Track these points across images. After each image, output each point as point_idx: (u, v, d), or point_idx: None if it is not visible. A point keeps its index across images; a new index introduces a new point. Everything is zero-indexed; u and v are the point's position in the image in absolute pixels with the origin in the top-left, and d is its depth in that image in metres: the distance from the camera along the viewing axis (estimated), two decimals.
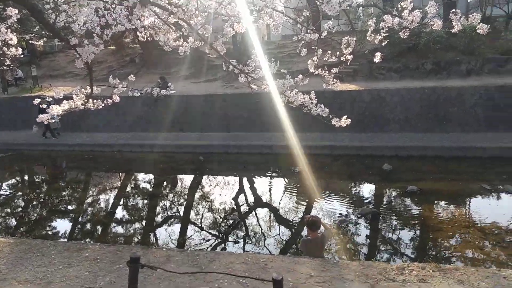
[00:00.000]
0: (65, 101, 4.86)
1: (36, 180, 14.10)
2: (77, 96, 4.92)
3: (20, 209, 10.62)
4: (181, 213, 9.83)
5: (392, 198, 9.94)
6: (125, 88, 5.18)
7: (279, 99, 4.59)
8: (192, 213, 9.66)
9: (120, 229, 9.01)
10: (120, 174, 13.70)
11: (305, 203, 9.84)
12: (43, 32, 21.58)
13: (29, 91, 20.32)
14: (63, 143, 15.93)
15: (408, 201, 9.51)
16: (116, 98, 5.27)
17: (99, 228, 9.10)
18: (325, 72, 4.48)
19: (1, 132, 17.93)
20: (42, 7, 4.56)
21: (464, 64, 15.43)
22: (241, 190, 11.08)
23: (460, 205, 9.23)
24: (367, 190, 10.68)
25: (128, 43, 24.83)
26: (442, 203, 9.36)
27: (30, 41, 16.79)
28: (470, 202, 9.47)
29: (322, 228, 4.64)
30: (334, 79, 4.51)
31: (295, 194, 10.55)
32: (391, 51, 16.33)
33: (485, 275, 3.68)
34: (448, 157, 11.81)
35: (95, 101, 5.05)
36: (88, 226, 9.28)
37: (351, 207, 9.25)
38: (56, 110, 4.79)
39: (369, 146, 12.71)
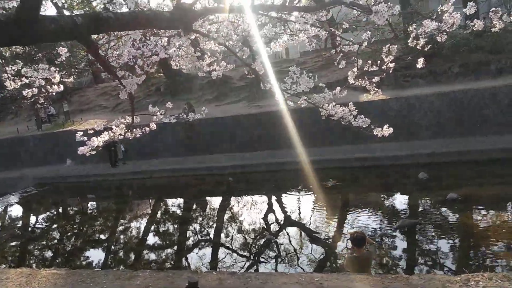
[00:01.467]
0: (105, 132, 4.99)
1: (70, 211, 14.45)
2: (117, 127, 5.04)
3: (57, 240, 10.85)
4: (215, 235, 9.77)
5: (432, 208, 9.53)
6: (162, 116, 5.27)
7: (308, 115, 4.54)
8: (225, 235, 9.56)
9: (162, 255, 9.01)
10: (150, 200, 13.88)
11: (341, 218, 9.57)
12: (87, 67, 22.60)
13: (61, 126, 21.13)
14: (98, 174, 16.35)
15: (449, 209, 9.10)
16: (153, 126, 5.37)
17: (141, 255, 9.14)
18: (365, 82, 4.41)
19: (38, 167, 18.60)
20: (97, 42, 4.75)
21: (493, 64, 14.96)
22: (273, 208, 10.92)
23: (504, 210, 8.73)
24: (404, 201, 10.30)
25: (153, 73, 25.58)
26: (485, 209, 8.89)
27: (61, 79, 17.72)
28: None
29: (367, 244, 4.47)
30: (375, 88, 4.42)
31: (329, 209, 10.29)
32: (415, 57, 16.06)
33: None
34: (486, 160, 11.29)
35: (134, 130, 5.16)
36: (129, 253, 9.34)
37: (389, 220, 8.91)
38: (97, 141, 4.91)
39: (403, 155, 12.36)
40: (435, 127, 13.27)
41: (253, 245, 8.76)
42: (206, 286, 4.02)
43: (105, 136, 4.96)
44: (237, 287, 4.07)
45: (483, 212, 8.70)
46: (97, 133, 5.07)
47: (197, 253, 8.83)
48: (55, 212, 14.28)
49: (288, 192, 12.03)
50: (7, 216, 14.05)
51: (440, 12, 3.57)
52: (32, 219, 13.61)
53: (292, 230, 9.26)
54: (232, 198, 12.58)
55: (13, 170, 18.59)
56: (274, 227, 9.61)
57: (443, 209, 9.21)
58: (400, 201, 10.26)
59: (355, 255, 4.24)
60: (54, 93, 21.80)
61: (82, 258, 9.25)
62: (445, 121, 13.21)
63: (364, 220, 9.13)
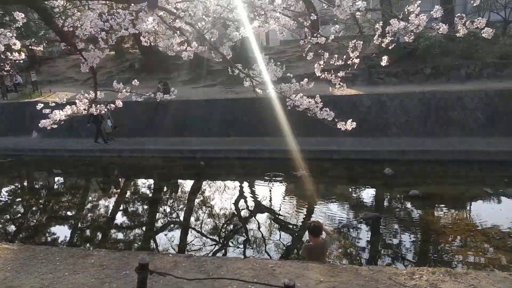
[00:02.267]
0: (68, 106, 4.85)
1: (36, 185, 14.02)
2: (81, 101, 4.91)
3: (20, 215, 10.56)
4: (182, 219, 9.79)
5: (395, 203, 9.94)
6: (128, 93, 5.17)
7: (283, 104, 4.59)
8: (193, 219, 9.62)
9: (123, 235, 8.96)
10: (120, 179, 13.67)
11: (306, 208, 9.81)
12: (46, 37, 21.60)
13: (28, 96, 20.28)
14: (62, 149, 15.86)
15: (410, 205, 9.51)
16: (119, 103, 5.27)
17: (102, 234, 9.05)
18: (331, 76, 4.48)
19: (1, 138, 17.83)
20: (51, 10, 4.54)
21: (463, 68, 15.53)
22: (241, 195, 11.03)
23: (463, 209, 9.25)
24: (368, 194, 10.67)
25: (127, 48, 24.84)
26: (445, 207, 9.36)
27: (30, 47, 16.88)
28: (472, 206, 9.48)
29: (324, 233, 4.62)
30: (341, 83, 4.51)
31: (296, 199, 10.52)
32: (390, 56, 16.40)
33: (497, 279, 3.66)
34: (449, 161, 11.83)
35: (98, 106, 5.04)
36: (90, 232, 9.22)
37: (353, 212, 9.23)
38: (59, 115, 4.77)
39: (370, 150, 12.72)
40: (403, 125, 13.70)
41: (220, 230, 8.85)
42: (160, 268, 4.05)
43: (68, 110, 4.83)
44: (192, 270, 4.12)
45: (443, 209, 9.16)
46: (60, 106, 4.92)
47: (160, 235, 8.84)
48: (17, 186, 13.81)
49: (258, 179, 12.15)
50: None
51: (407, 13, 3.66)
52: None
53: (260, 217, 9.41)
54: (203, 182, 12.60)
55: None
56: (242, 213, 9.74)
57: (405, 204, 9.62)
58: (364, 194, 10.62)
59: (311, 243, 4.37)
60: (21, 61, 20.71)
61: (40, 234, 9.05)
62: (413, 120, 13.66)
63: (329, 210, 9.41)
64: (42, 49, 23.66)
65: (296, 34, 20.73)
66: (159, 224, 9.71)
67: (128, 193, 12.16)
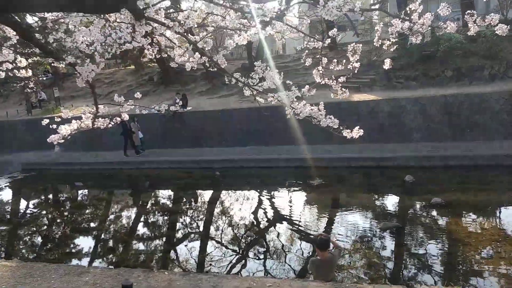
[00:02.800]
0: (73, 121, 4.86)
1: (56, 197, 14.30)
2: (85, 116, 4.90)
3: (45, 228, 10.73)
4: (192, 231, 9.68)
5: (416, 212, 9.49)
6: (133, 106, 5.13)
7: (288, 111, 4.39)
8: (203, 232, 9.44)
9: (127, 248, 8.88)
10: (135, 191, 13.76)
11: (322, 219, 9.50)
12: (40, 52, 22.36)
13: (51, 112, 20.89)
14: (81, 162, 16.17)
15: (432, 214, 9.05)
16: (125, 116, 5.23)
17: (101, 249, 9.01)
18: (332, 82, 4.27)
19: (26, 153, 18.37)
20: (29, 26, 4.56)
21: (486, 69, 14.90)
22: (255, 205, 10.82)
23: (489, 217, 8.71)
24: (388, 203, 10.25)
25: (146, 62, 25.32)
26: (469, 215, 8.87)
27: (52, 64, 17.48)
28: (499, 214, 8.93)
29: (332, 247, 4.37)
30: (343, 89, 4.28)
31: (311, 209, 10.24)
32: (409, 59, 16.01)
33: None
34: (474, 166, 11.27)
35: (103, 120, 5.02)
36: (91, 247, 9.23)
37: (371, 222, 8.86)
38: (65, 130, 4.78)
39: (390, 157, 12.29)
40: (424, 130, 13.21)
41: (231, 242, 8.66)
42: (155, 287, 3.90)
43: (74, 124, 4.83)
44: None
45: (467, 218, 8.67)
46: (66, 121, 4.94)
47: (168, 248, 8.72)
48: (40, 198, 14.13)
49: (273, 189, 11.95)
50: None
51: (409, 12, 3.44)
52: (16, 204, 13.49)
53: (274, 228, 9.18)
54: (218, 192, 12.50)
55: (0, 155, 18.37)
56: (254, 224, 9.53)
57: (427, 213, 9.17)
58: (384, 203, 10.21)
59: (318, 258, 4.14)
60: (45, 78, 21.61)
61: (60, 248, 9.15)
62: (435, 124, 13.15)
63: (346, 221, 9.07)
64: (64, 66, 24.43)
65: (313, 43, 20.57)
66: (167, 237, 9.61)
67: (140, 205, 12.18)
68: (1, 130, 19.84)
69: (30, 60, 5.56)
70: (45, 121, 5.11)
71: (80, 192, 14.42)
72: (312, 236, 7.99)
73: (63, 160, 16.79)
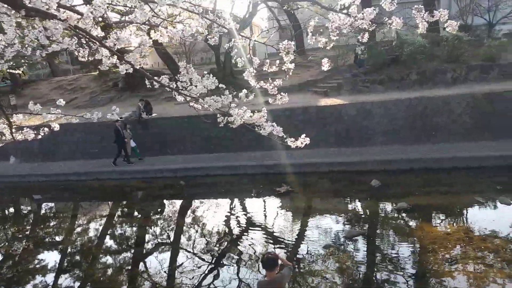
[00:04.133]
0: None
1: (14, 210, 13.33)
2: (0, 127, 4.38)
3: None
4: (148, 243, 9.16)
5: (382, 217, 9.34)
6: (59, 115, 4.62)
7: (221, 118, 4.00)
8: (157, 247, 8.99)
9: (90, 265, 8.28)
10: (91, 204, 12.99)
11: (285, 228, 9.16)
12: (27, 60, 21.04)
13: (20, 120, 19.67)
14: (39, 174, 15.23)
15: (399, 219, 8.93)
16: (56, 127, 4.72)
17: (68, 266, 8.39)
18: (268, 85, 3.94)
19: None
20: None
21: (449, 73, 15.15)
22: (221, 215, 10.38)
23: (454, 220, 8.65)
24: (354, 209, 10.06)
25: (111, 68, 24.43)
26: (434, 219, 8.80)
27: (7, 70, 16.44)
28: (463, 216, 8.90)
29: (280, 265, 4.00)
30: (282, 93, 3.94)
31: (278, 218, 9.91)
32: (374, 63, 16.10)
33: None
34: (438, 168, 11.30)
35: (24, 131, 4.50)
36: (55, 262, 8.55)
37: (337, 230, 8.61)
38: None
39: (356, 161, 12.17)
40: (389, 134, 13.20)
41: (190, 256, 8.19)
42: None
43: None
44: None
45: (432, 222, 8.58)
46: None
47: (129, 264, 8.19)
48: None
49: (238, 197, 11.57)
50: None
51: (344, 6, 3.14)
52: None
53: (236, 241, 8.77)
54: (182, 202, 12.01)
55: None
56: (218, 237, 9.09)
57: (393, 219, 9.03)
58: (350, 209, 10.01)
59: (265, 279, 3.77)
60: (4, 84, 20.29)
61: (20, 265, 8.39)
62: (399, 128, 13.17)
63: (311, 229, 8.80)
64: (21, 73, 23.24)
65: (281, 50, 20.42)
66: (129, 251, 9.05)
67: (99, 217, 11.50)
68: None
69: None
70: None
71: (39, 205, 13.53)
72: (260, 255, 7.62)
73: (19, 172, 15.75)
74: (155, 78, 3.73)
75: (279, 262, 3.84)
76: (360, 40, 3.55)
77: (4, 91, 24.93)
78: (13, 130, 4.47)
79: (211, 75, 3.91)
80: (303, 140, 3.99)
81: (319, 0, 4.08)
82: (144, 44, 4.12)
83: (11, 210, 13.65)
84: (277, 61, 3.93)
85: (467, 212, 9.07)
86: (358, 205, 10.29)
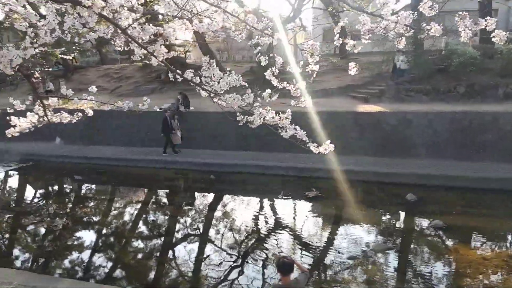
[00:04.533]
0: (29, 113, 4.56)
1: (53, 190, 14.09)
2: (36, 109, 4.59)
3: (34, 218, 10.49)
4: (168, 241, 9.33)
5: (414, 234, 8.93)
6: (93, 102, 4.76)
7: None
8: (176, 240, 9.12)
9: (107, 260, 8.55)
10: (127, 190, 13.46)
11: (310, 235, 8.99)
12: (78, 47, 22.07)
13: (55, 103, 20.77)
14: (80, 156, 15.96)
15: (432, 237, 8.50)
16: (90, 112, 4.89)
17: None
18: (289, 86, 3.83)
19: (27, 143, 18.22)
20: None
21: (501, 88, 14.20)
22: (243, 215, 10.34)
23: (493, 244, 8.11)
24: (385, 222, 9.70)
25: (148, 60, 25.14)
26: (471, 241, 8.29)
27: (61, 56, 17.36)
28: (506, 242, 8.32)
29: (296, 270, 3.90)
30: (304, 96, 3.82)
31: (304, 223, 9.75)
32: (420, 73, 15.43)
33: None
34: (481, 189, 10.63)
35: (61, 114, 4.69)
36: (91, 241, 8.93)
37: (364, 242, 8.33)
38: (21, 123, 4.46)
39: (393, 172, 11.72)
40: (430, 147, 12.60)
41: (216, 250, 8.24)
42: None
43: (30, 117, 4.51)
44: None
45: (468, 246, 8.09)
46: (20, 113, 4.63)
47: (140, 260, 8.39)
48: (38, 189, 13.94)
49: (266, 198, 11.51)
50: None
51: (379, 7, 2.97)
52: (3, 194, 13.34)
53: (262, 240, 8.73)
54: (212, 196, 12.14)
55: (0, 143, 18.25)
56: (244, 233, 9.09)
57: (425, 236, 8.62)
58: (381, 222, 9.66)
59: (280, 284, 3.69)
60: (57, 69, 21.45)
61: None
62: (442, 142, 12.54)
63: (337, 239, 8.59)
64: (72, 58, 24.43)
65: (325, 48, 20.12)
66: (158, 238, 9.27)
67: (133, 203, 11.87)
68: (3, 118, 19.75)
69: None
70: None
71: (78, 185, 14.24)
72: (275, 258, 7.51)
73: (62, 152, 16.59)
74: (178, 71, 3.75)
75: (295, 267, 3.76)
76: (397, 46, 3.37)
77: (56, 75, 26.40)
78: (51, 112, 4.66)
79: (237, 76, 3.85)
80: (327, 147, 3.85)
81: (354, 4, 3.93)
82: (169, 36, 4.17)
83: (55, 188, 14.42)
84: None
85: (510, 239, 8.48)
86: (390, 218, 9.92)
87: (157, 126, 15.09)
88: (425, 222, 9.19)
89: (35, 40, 4.49)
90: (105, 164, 15.22)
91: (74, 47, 22.04)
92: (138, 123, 16.39)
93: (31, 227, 10.15)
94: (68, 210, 11.31)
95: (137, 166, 14.78)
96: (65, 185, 14.58)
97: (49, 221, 10.27)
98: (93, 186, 14.00)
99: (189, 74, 3.82)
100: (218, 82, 3.70)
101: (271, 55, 3.98)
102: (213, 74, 3.70)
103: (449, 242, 8.29)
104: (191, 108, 16.82)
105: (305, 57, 3.94)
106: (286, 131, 3.84)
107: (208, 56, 4.35)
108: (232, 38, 4.29)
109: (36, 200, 12.66)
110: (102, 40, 4.21)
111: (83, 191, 13.64)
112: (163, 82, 23.50)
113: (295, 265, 3.75)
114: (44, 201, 12.40)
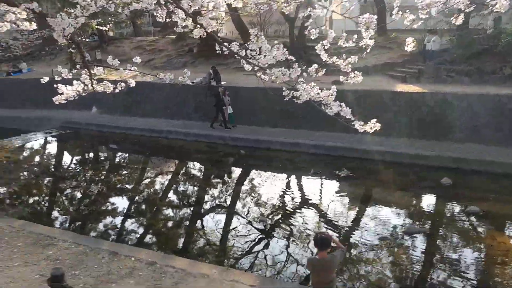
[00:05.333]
0: (75, 82, 4.67)
1: (89, 157, 14.68)
2: (82, 78, 4.70)
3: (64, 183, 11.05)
4: (209, 205, 9.57)
5: (448, 218, 8.73)
6: (136, 73, 4.82)
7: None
8: (208, 211, 9.36)
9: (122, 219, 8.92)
10: (159, 160, 13.85)
11: (341, 215, 8.95)
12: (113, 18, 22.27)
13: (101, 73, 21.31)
14: (115, 125, 16.44)
15: (466, 223, 8.27)
16: (132, 83, 4.97)
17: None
18: (342, 61, 3.68)
19: (66, 111, 18.89)
20: None
21: None
22: (274, 190, 10.42)
23: None
24: (418, 206, 9.49)
25: (187, 33, 25.07)
26: (509, 229, 8.01)
27: (98, 27, 17.68)
28: None
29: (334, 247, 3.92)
30: (356, 72, 3.67)
31: (332, 203, 9.68)
32: (463, 53, 14.62)
33: None
34: None
35: (105, 85, 4.79)
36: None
37: (396, 224, 8.22)
38: (65, 90, 4.61)
39: (428, 155, 11.37)
40: (469, 131, 12.08)
41: (244, 222, 8.41)
42: (114, 273, 3.64)
43: (76, 85, 4.63)
44: (145, 283, 3.68)
45: (505, 234, 7.83)
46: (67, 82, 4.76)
47: (164, 223, 8.70)
48: (75, 156, 14.57)
49: (296, 175, 11.51)
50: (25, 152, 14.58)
51: None
52: (43, 159, 14.05)
53: (289, 216, 8.80)
54: (240, 171, 12.29)
55: (42, 110, 19.03)
56: (271, 210, 9.20)
57: (460, 222, 8.40)
58: (414, 205, 9.46)
59: (316, 257, 3.73)
60: (93, 39, 21.86)
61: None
62: (482, 125, 11.98)
63: (369, 219, 8.51)
64: (108, 30, 24.74)
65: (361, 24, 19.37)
66: (185, 208, 9.56)
67: (165, 173, 12.21)
68: (45, 87, 20.51)
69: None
70: (43, 79, 4.96)
71: (114, 154, 14.78)
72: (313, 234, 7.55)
73: (100, 121, 17.13)
74: (225, 44, 3.70)
75: (332, 243, 3.77)
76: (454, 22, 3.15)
77: (92, 45, 26.95)
78: (94, 82, 4.76)
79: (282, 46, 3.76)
80: (373, 125, 3.74)
81: None
82: (218, 7, 4.10)
83: (90, 155, 15.02)
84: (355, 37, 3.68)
85: None
86: (423, 202, 9.71)
87: (189, 99, 15.24)
88: (460, 207, 8.93)
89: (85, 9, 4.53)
90: (139, 135, 15.64)
91: (110, 18, 22.30)
92: (173, 95, 16.61)
93: (68, 191, 10.68)
94: (103, 176, 11.80)
95: (168, 137, 15.11)
96: (101, 153, 15.18)
97: (85, 187, 10.79)
98: (128, 155, 14.49)
99: (235, 47, 3.77)
100: (264, 56, 3.62)
101: (322, 27, 3.85)
102: (260, 48, 3.62)
103: (485, 229, 8.04)
104: (222, 83, 16.81)
105: (332, 31, 3.72)
106: (331, 108, 3.74)
107: (241, 29, 4.21)
108: (267, 11, 4.14)
109: (73, 166, 13.25)
110: (137, 12, 4.18)
111: (117, 159, 14.16)
112: (195, 56, 23.56)
113: (332, 241, 3.77)
114: (80, 168, 12.97)
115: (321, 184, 10.91)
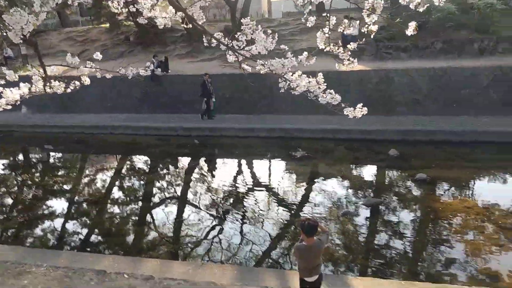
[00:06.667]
0: (22, 84, 4.14)
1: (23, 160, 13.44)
2: (34, 78, 4.18)
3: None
4: (168, 196, 9.21)
5: (400, 187, 9.25)
6: (93, 69, 4.40)
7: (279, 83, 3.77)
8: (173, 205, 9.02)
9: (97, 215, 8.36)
10: (107, 157, 13.05)
11: (302, 194, 9.11)
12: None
13: (17, 70, 19.42)
14: (52, 125, 15.19)
15: (417, 190, 8.83)
16: (86, 80, 4.51)
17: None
18: (338, 49, 3.65)
19: None
20: None
21: (476, 43, 14.48)
22: (233, 176, 10.34)
23: (473, 195, 8.54)
24: (372, 178, 9.97)
25: (122, 21, 23.65)
26: (453, 193, 8.67)
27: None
28: (483, 192, 8.75)
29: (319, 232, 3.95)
30: (351, 58, 3.67)
31: (293, 182, 9.85)
32: (399, 29, 15.38)
33: None
34: (460, 142, 11.04)
35: (57, 83, 4.30)
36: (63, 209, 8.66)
37: (354, 197, 8.56)
38: (11, 94, 4.07)
39: (375, 130, 11.93)
40: (411, 104, 12.86)
41: (196, 211, 8.23)
42: None
43: (24, 88, 4.11)
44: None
45: (451, 196, 8.46)
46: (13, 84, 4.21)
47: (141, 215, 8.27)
48: (7, 160, 13.25)
49: (254, 159, 11.49)
50: None
51: None
52: None
53: (244, 201, 8.76)
54: (195, 161, 11.97)
55: None
56: (224, 194, 9.10)
57: (411, 189, 8.93)
58: (367, 177, 9.92)
59: (304, 243, 3.72)
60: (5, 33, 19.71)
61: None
62: (422, 98, 12.80)
63: (328, 196, 8.74)
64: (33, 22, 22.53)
65: (300, 7, 19.60)
66: (138, 202, 9.12)
67: (108, 170, 11.54)
68: None
69: None
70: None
71: (49, 155, 13.61)
72: (298, 220, 7.62)
73: (30, 122, 15.71)
74: (215, 35, 3.47)
75: (318, 229, 3.78)
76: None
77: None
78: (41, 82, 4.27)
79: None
80: (361, 110, 3.78)
81: None
82: None
83: (22, 158, 13.75)
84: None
85: (488, 188, 8.93)
86: (376, 174, 10.18)
87: (131, 92, 14.44)
88: (409, 176, 9.49)
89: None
90: (80, 132, 14.59)
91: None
92: (110, 89, 15.65)
93: None
94: (38, 179, 10.88)
95: (113, 133, 14.27)
96: (35, 155, 13.98)
97: (18, 192, 9.88)
98: (64, 155, 13.47)
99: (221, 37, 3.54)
100: (256, 47, 3.45)
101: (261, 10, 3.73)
102: (256, 38, 3.43)
103: (434, 194, 8.64)
104: (168, 71, 16.17)
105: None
106: (322, 96, 3.68)
107: (180, 13, 3.93)
108: None
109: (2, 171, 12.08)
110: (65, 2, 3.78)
111: (53, 160, 13.13)
112: (133, 45, 22.34)
113: (318, 226, 3.76)
114: (12, 172, 11.84)
115: (278, 166, 11.00)
